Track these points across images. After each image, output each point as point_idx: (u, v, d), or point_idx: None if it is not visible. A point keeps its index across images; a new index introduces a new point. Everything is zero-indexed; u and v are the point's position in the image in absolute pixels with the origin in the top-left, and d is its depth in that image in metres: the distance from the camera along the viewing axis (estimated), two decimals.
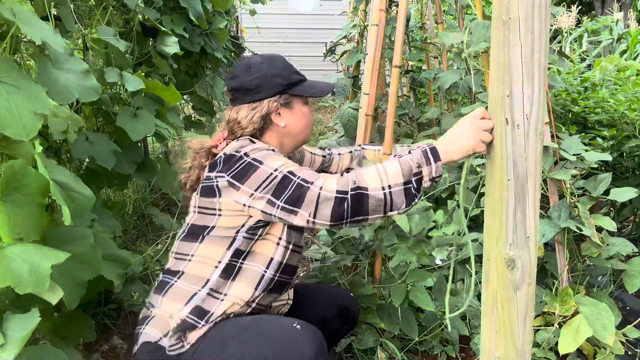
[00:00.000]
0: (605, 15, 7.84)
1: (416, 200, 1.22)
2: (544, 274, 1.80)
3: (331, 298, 1.60)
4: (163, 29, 2.22)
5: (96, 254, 1.29)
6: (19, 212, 1.04)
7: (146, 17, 2.23)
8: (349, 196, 1.18)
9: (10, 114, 1.00)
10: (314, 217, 1.21)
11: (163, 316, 1.31)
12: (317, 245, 2.79)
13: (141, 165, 2.01)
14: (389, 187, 1.19)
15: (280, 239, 1.36)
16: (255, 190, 1.25)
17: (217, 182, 1.31)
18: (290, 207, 1.23)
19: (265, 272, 1.34)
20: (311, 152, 1.72)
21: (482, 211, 1.11)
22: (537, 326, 1.62)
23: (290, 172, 1.25)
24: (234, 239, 1.32)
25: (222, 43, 3.09)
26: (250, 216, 1.30)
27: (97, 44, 1.88)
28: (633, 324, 1.58)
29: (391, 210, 1.21)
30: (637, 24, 6.23)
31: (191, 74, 3.02)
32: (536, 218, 0.95)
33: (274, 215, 1.26)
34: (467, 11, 5.26)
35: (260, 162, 1.27)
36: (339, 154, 1.77)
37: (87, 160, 1.86)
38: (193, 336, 1.27)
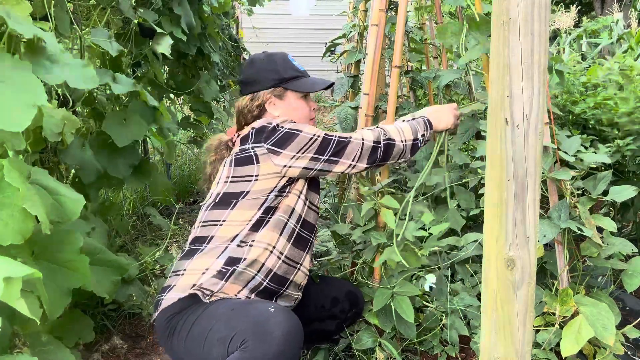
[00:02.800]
0: (605, 15, 7.85)
1: (417, 152, 1.62)
2: (544, 274, 1.80)
3: (340, 284, 1.81)
4: (159, 30, 2.21)
5: (84, 261, 1.23)
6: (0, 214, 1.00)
7: (140, 19, 2.22)
8: (382, 144, 1.53)
9: None
10: (357, 162, 1.50)
11: (193, 275, 1.39)
12: (318, 243, 2.79)
13: (137, 167, 2.00)
14: (406, 140, 1.57)
15: (301, 192, 1.54)
16: (298, 152, 1.45)
17: (254, 151, 1.47)
18: (334, 158, 1.49)
19: (288, 220, 1.50)
20: None
21: (482, 211, 1.11)
22: (537, 326, 1.62)
23: (327, 134, 1.50)
24: (266, 199, 1.46)
25: (217, 45, 3.08)
26: (284, 176, 1.48)
27: (94, 45, 1.88)
28: (633, 324, 1.58)
29: (403, 157, 1.60)
30: (637, 24, 6.23)
31: (189, 74, 3.02)
32: (536, 218, 0.95)
33: (314, 169, 1.49)
34: (467, 11, 5.27)
35: (299, 130, 1.47)
36: None
37: None
38: (222, 284, 1.38)
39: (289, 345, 1.20)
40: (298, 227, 1.53)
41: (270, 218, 1.46)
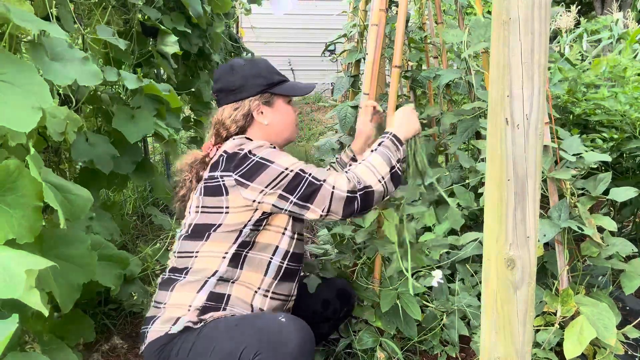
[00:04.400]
0: (605, 15, 7.84)
1: (401, 181, 1.46)
2: (544, 274, 1.80)
3: (329, 283, 1.74)
4: (163, 27, 2.22)
5: (92, 258, 1.28)
6: (12, 213, 1.03)
7: (146, 17, 2.23)
8: (358, 195, 1.34)
9: (6, 108, 0.99)
10: (327, 212, 1.33)
11: (175, 309, 1.33)
12: (316, 245, 2.79)
13: (140, 165, 2.01)
14: (383, 177, 1.39)
15: (285, 229, 1.43)
16: (267, 187, 1.32)
17: (223, 181, 1.35)
18: (303, 203, 1.33)
19: (271, 258, 1.41)
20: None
21: (482, 211, 1.11)
22: (537, 326, 1.62)
23: (301, 170, 1.35)
24: (240, 232, 1.36)
25: (218, 46, 3.09)
26: (257, 209, 1.36)
27: (97, 43, 1.88)
28: (633, 324, 1.58)
29: (387, 196, 1.43)
30: (636, 24, 6.22)
31: (189, 74, 3.02)
32: (536, 218, 0.95)
33: (285, 210, 1.35)
34: (467, 10, 5.27)
35: (270, 161, 1.34)
36: (337, 158, 1.82)
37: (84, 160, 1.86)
38: (210, 315, 1.32)
39: (305, 355, 1.20)
40: (285, 262, 1.44)
41: (248, 253, 1.38)
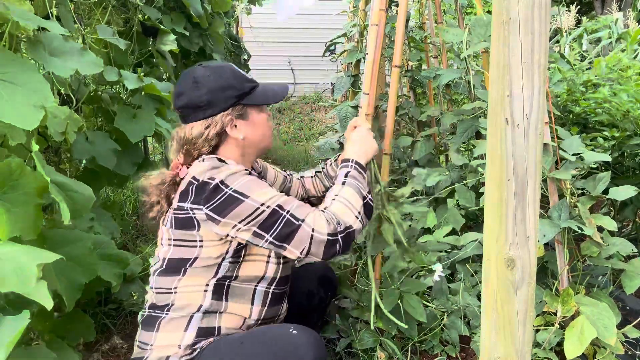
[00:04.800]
0: (605, 15, 7.84)
1: (372, 211, 1.38)
2: (544, 274, 1.80)
3: (309, 272, 1.70)
4: (163, 27, 2.22)
5: (93, 257, 1.30)
6: (15, 211, 1.04)
7: (146, 17, 2.23)
8: (339, 238, 1.23)
9: (10, 107, 1.00)
10: (306, 254, 1.22)
11: (163, 349, 1.26)
12: None
13: (141, 165, 2.01)
14: (359, 213, 1.30)
15: (269, 256, 1.34)
16: (240, 223, 1.20)
17: (194, 214, 1.23)
18: (280, 243, 1.22)
19: (256, 287, 1.34)
20: (274, 169, 1.70)
21: (482, 211, 1.11)
22: (537, 326, 1.62)
23: (279, 206, 1.22)
24: (219, 266, 1.27)
25: (222, 44, 3.09)
26: (232, 241, 1.26)
27: (97, 43, 1.88)
28: (633, 324, 1.58)
29: (364, 228, 1.34)
30: (636, 23, 6.22)
31: None
32: (536, 218, 0.95)
33: (261, 246, 1.24)
34: (467, 10, 5.27)
35: (245, 195, 1.21)
36: (301, 176, 1.75)
37: (84, 160, 1.86)
38: (206, 341, 1.26)
39: None
40: (272, 288, 1.37)
41: (231, 283, 1.30)
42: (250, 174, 1.31)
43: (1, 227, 1.00)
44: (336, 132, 3.71)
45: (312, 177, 1.74)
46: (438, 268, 1.74)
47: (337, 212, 1.27)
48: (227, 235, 1.23)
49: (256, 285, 1.33)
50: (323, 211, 1.27)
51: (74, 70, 1.29)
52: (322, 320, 1.83)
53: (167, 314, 1.27)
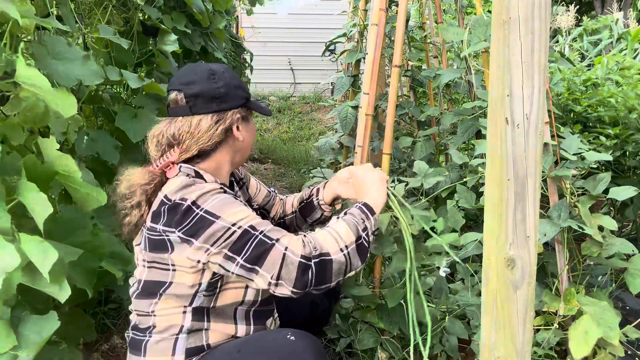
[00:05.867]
0: (605, 14, 7.84)
1: (367, 255, 1.24)
2: (544, 274, 1.80)
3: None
4: (164, 27, 2.22)
5: (100, 240, 1.30)
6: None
7: (146, 17, 2.23)
8: (312, 264, 1.14)
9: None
10: (277, 279, 1.13)
11: None
12: None
13: (141, 165, 2.01)
14: (346, 247, 1.19)
15: (247, 285, 1.27)
16: (212, 246, 1.14)
17: (167, 236, 1.17)
18: (251, 266, 1.14)
19: (236, 309, 1.28)
20: (256, 181, 1.66)
21: (482, 210, 1.11)
22: (537, 326, 1.62)
23: (251, 227, 1.15)
24: (194, 296, 1.21)
25: (222, 43, 3.08)
26: (204, 270, 1.20)
27: (98, 43, 1.88)
28: (633, 324, 1.58)
29: (350, 271, 1.21)
30: (636, 23, 6.23)
31: None
32: (536, 218, 0.95)
33: (233, 272, 1.16)
34: (467, 10, 5.27)
35: (216, 216, 1.14)
36: (286, 196, 1.71)
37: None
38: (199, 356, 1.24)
39: None
40: (253, 308, 1.31)
41: (211, 308, 1.24)
42: (225, 191, 1.24)
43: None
44: (336, 132, 3.71)
45: (293, 211, 1.67)
46: (443, 264, 1.74)
47: (319, 238, 1.19)
48: (199, 261, 1.16)
49: (236, 308, 1.28)
50: (304, 236, 1.19)
51: (77, 80, 1.29)
52: (324, 327, 1.81)
53: (150, 336, 1.23)
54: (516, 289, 0.97)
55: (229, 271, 1.16)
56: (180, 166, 1.27)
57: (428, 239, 1.73)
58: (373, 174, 1.41)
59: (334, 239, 1.19)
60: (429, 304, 1.88)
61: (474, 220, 2.44)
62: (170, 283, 1.20)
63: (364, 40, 2.79)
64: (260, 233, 1.15)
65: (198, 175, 1.28)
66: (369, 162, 2.15)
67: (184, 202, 1.16)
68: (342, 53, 3.43)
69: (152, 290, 1.22)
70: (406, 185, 1.75)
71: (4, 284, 0.91)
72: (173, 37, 2.19)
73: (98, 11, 1.94)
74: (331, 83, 8.01)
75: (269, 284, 1.14)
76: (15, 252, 0.90)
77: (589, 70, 2.77)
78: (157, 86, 1.85)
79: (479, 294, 1.69)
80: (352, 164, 1.78)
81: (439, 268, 1.73)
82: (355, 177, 1.44)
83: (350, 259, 1.20)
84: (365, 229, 1.24)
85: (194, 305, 1.22)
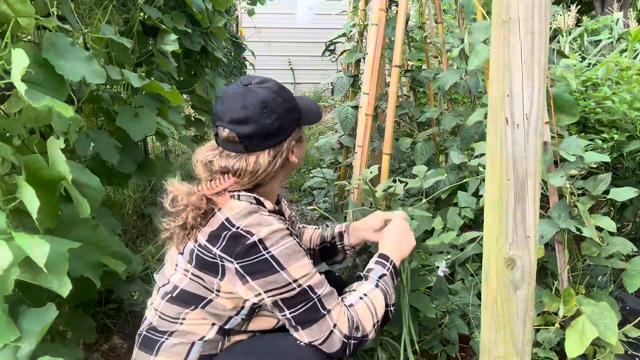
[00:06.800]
0: (605, 14, 7.85)
1: (387, 322, 1.29)
2: (544, 274, 1.80)
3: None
4: (164, 27, 2.22)
5: (102, 234, 1.30)
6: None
7: (146, 17, 2.23)
8: (351, 343, 1.17)
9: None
10: (315, 344, 1.16)
11: None
12: None
13: (141, 164, 2.01)
14: (378, 322, 1.23)
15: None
16: (266, 292, 1.13)
17: (222, 262, 1.13)
18: (296, 324, 1.16)
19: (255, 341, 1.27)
20: (284, 202, 1.61)
21: (482, 210, 1.11)
22: (537, 326, 1.62)
23: (310, 288, 1.15)
24: (230, 318, 1.20)
25: (222, 42, 3.09)
26: (247, 301, 1.18)
27: (98, 43, 1.88)
28: (633, 323, 1.58)
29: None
30: (636, 23, 6.23)
31: (191, 73, 3.02)
32: (536, 218, 0.95)
33: (275, 315, 1.19)
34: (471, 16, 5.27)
35: (282, 267, 1.12)
36: (303, 226, 1.68)
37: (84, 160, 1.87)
38: None
39: None
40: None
41: (240, 331, 1.24)
42: (290, 232, 1.19)
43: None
44: (336, 131, 3.71)
45: (311, 248, 1.63)
46: (442, 264, 1.74)
47: (360, 314, 1.20)
48: (246, 299, 1.16)
49: (260, 331, 1.28)
50: (348, 308, 1.20)
51: (82, 77, 1.29)
52: None
53: (167, 339, 1.21)
54: (516, 289, 0.97)
55: (272, 312, 1.19)
56: (240, 195, 1.21)
57: (427, 238, 1.74)
58: (403, 224, 1.43)
59: (371, 314, 1.22)
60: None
61: (474, 220, 2.44)
62: (210, 301, 1.18)
63: (364, 40, 2.79)
64: (316, 297, 1.16)
65: (259, 202, 1.23)
66: (369, 162, 2.15)
67: (249, 236, 1.11)
68: (342, 53, 3.43)
69: (188, 300, 1.19)
70: (405, 185, 1.76)
71: (0, 280, 0.92)
72: (173, 36, 2.19)
73: (98, 11, 1.94)
74: (331, 83, 8.01)
75: (308, 343, 1.16)
76: (7, 249, 0.91)
77: (588, 70, 2.77)
78: (157, 86, 1.85)
79: (479, 294, 1.69)
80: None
81: (438, 267, 1.73)
82: (389, 232, 1.43)
83: (376, 331, 1.24)
84: (393, 299, 1.29)
85: (227, 326, 1.21)
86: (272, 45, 8.77)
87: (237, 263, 1.11)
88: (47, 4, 1.41)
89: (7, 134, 1.24)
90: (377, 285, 1.27)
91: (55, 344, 1.30)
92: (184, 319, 1.20)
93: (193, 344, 1.20)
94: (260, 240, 1.11)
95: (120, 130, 1.81)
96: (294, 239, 1.19)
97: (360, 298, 1.23)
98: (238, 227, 1.13)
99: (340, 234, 1.60)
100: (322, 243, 1.62)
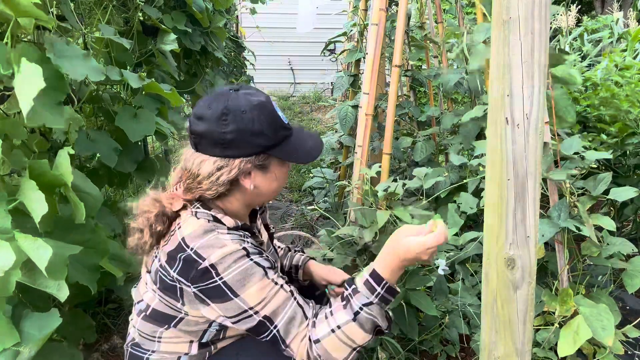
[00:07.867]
0: (605, 14, 7.84)
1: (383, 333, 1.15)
2: (544, 274, 1.80)
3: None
4: (164, 27, 2.22)
5: (100, 236, 1.31)
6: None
7: (146, 17, 2.23)
8: None
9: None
10: None
11: None
12: (316, 245, 2.79)
13: (141, 164, 2.01)
14: (359, 346, 1.10)
15: None
16: (228, 318, 1.09)
17: (180, 285, 1.09)
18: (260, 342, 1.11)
19: (244, 341, 1.24)
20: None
21: (482, 210, 1.11)
22: (537, 326, 1.62)
23: (267, 318, 1.07)
24: (205, 331, 1.17)
25: (222, 42, 3.09)
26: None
27: (98, 43, 1.88)
28: (633, 323, 1.58)
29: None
30: (636, 23, 6.23)
31: (191, 73, 3.02)
32: (536, 217, 0.95)
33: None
34: (467, 10, 5.27)
35: (235, 294, 1.06)
36: (279, 247, 1.61)
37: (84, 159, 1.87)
38: None
39: None
40: None
41: (220, 339, 1.21)
42: (247, 253, 1.10)
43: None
44: (336, 131, 3.70)
45: (292, 265, 1.57)
46: (441, 263, 1.74)
47: (330, 348, 1.07)
48: (213, 320, 1.12)
49: (243, 342, 1.24)
50: (313, 343, 1.08)
51: (84, 75, 1.29)
52: None
53: (152, 354, 1.19)
54: (516, 289, 0.97)
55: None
56: (197, 212, 1.15)
57: None
58: (402, 235, 1.14)
59: (346, 345, 1.08)
60: None
61: (474, 220, 2.44)
62: (182, 319, 1.14)
63: (364, 40, 2.79)
64: (274, 328, 1.08)
65: (216, 219, 1.15)
66: (369, 161, 2.15)
67: (200, 261, 1.05)
68: (341, 52, 3.43)
69: (160, 319, 1.16)
70: (404, 185, 1.76)
71: (1, 281, 0.91)
72: (172, 36, 2.19)
73: (98, 11, 1.94)
74: (331, 83, 8.01)
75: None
76: (11, 251, 0.90)
77: (588, 70, 2.77)
78: (156, 86, 1.85)
79: (479, 294, 1.69)
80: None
81: (437, 267, 1.73)
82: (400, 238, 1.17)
83: (364, 348, 1.11)
84: (382, 321, 1.11)
85: (203, 340, 1.18)
86: (272, 45, 8.77)
87: (194, 287, 1.07)
88: (47, 4, 1.40)
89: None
90: (355, 319, 1.08)
91: (55, 344, 1.30)
92: (160, 337, 1.17)
93: (179, 357, 1.18)
94: (212, 266, 1.05)
95: (120, 130, 1.81)
96: (255, 257, 1.10)
97: (332, 331, 1.08)
98: (192, 248, 1.07)
99: (297, 267, 1.56)
100: (289, 269, 1.58)
